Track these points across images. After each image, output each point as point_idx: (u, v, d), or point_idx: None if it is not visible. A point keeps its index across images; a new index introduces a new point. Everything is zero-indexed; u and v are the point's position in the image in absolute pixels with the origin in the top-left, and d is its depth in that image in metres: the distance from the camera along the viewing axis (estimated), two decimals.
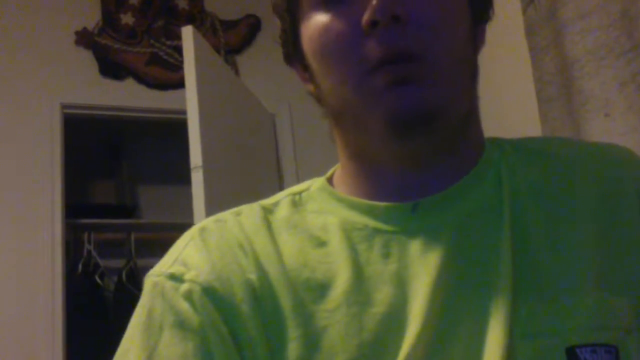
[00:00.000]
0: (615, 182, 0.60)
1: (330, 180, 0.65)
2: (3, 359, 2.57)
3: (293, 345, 0.53)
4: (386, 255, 0.56)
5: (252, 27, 3.22)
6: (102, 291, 3.40)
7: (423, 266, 0.55)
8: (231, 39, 3.19)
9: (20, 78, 2.82)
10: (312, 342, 0.53)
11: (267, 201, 0.64)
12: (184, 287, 0.55)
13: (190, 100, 2.12)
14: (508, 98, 1.83)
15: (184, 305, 0.54)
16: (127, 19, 3.07)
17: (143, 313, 0.56)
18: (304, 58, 0.62)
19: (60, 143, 2.81)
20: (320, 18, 0.57)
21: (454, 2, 0.58)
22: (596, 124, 1.36)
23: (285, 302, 0.55)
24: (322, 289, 0.55)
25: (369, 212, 0.59)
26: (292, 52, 0.64)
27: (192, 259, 0.57)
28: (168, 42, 3.09)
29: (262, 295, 0.55)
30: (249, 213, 0.62)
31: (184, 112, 2.14)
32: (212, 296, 0.54)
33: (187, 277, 0.56)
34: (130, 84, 3.00)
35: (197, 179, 2.04)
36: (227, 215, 0.63)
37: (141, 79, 3.01)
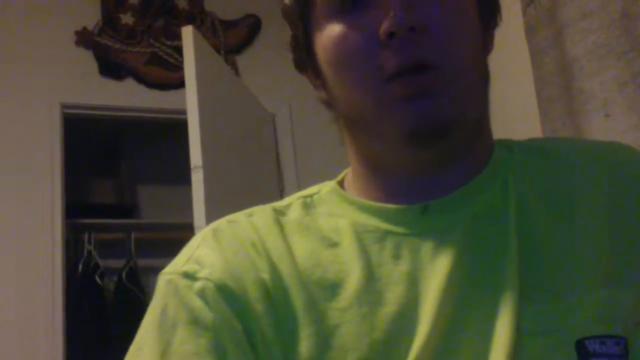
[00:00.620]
0: (619, 179, 0.61)
1: (341, 184, 0.66)
2: (3, 359, 2.57)
3: (305, 342, 0.53)
4: (397, 257, 0.57)
5: (252, 27, 3.22)
6: (102, 291, 3.40)
7: (433, 267, 0.56)
8: (231, 39, 3.19)
9: (20, 78, 2.82)
10: (324, 340, 0.53)
11: (279, 204, 0.65)
12: (198, 284, 0.56)
13: (190, 100, 2.12)
14: (508, 98, 1.83)
15: (198, 303, 0.55)
16: (127, 18, 3.06)
17: (157, 311, 0.56)
18: (316, 65, 0.62)
19: (60, 143, 2.81)
20: (335, 27, 0.58)
21: (467, 11, 0.58)
22: (596, 124, 1.36)
23: (298, 300, 0.55)
24: (334, 288, 0.56)
25: (379, 214, 0.60)
26: (305, 58, 0.64)
27: (206, 257, 0.58)
28: (168, 42, 3.09)
29: (274, 293, 0.56)
30: (261, 214, 0.63)
31: (184, 112, 2.14)
32: (226, 294, 0.55)
33: (200, 275, 0.56)
34: (130, 84, 3.00)
35: (197, 179, 2.04)
36: (239, 216, 0.63)
37: (141, 79, 3.01)
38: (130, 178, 3.93)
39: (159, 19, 3.12)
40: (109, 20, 3.03)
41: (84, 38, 2.96)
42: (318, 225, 0.61)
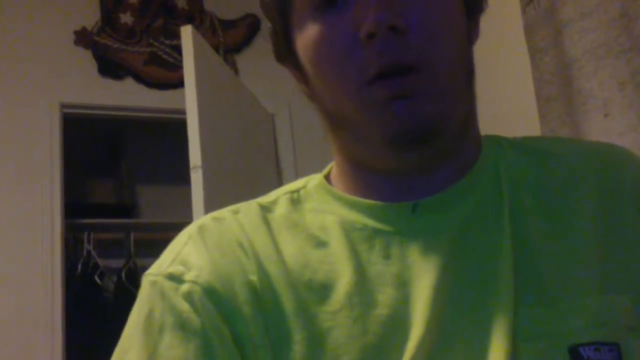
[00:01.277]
0: (614, 182, 0.60)
1: (327, 178, 0.65)
2: (2, 358, 2.57)
3: (297, 347, 0.52)
4: (387, 256, 0.56)
5: (251, 26, 3.22)
6: (102, 291, 3.40)
7: (424, 267, 0.55)
8: (230, 39, 3.19)
9: (19, 78, 2.82)
10: (316, 344, 0.52)
11: (265, 199, 0.63)
12: (184, 287, 0.54)
13: (190, 99, 2.12)
14: (507, 98, 1.83)
15: (185, 306, 0.53)
16: (126, 18, 3.06)
17: (142, 313, 0.55)
18: (297, 60, 0.61)
19: (60, 142, 2.80)
20: (315, 27, 0.56)
21: (450, 5, 0.57)
22: (595, 124, 1.36)
23: (288, 303, 0.54)
24: (324, 290, 0.55)
25: (368, 211, 0.59)
26: (285, 53, 0.62)
27: (192, 258, 0.56)
28: (167, 42, 3.09)
29: (263, 296, 0.54)
30: (247, 211, 0.61)
31: (183, 112, 2.14)
32: (214, 297, 0.54)
33: (187, 277, 0.55)
34: (129, 83, 2.99)
35: (197, 178, 2.04)
36: (224, 213, 0.61)
37: (140, 79, 3.01)
38: (129, 178, 3.92)
39: (158, 19, 3.12)
40: (108, 19, 3.03)
41: (83, 38, 2.96)
42: (306, 223, 0.60)
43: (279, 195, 0.63)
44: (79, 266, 3.35)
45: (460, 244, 0.56)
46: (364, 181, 0.60)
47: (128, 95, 2.97)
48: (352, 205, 0.60)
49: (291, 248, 0.57)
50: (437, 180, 0.58)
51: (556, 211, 0.58)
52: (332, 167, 0.66)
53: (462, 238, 0.56)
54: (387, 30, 0.52)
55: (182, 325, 0.53)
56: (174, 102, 2.84)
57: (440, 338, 0.52)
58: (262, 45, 3.19)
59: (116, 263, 3.54)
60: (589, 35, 1.38)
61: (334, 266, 0.56)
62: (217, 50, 2.98)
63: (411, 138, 0.53)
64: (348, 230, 0.58)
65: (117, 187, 3.93)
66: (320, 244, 0.58)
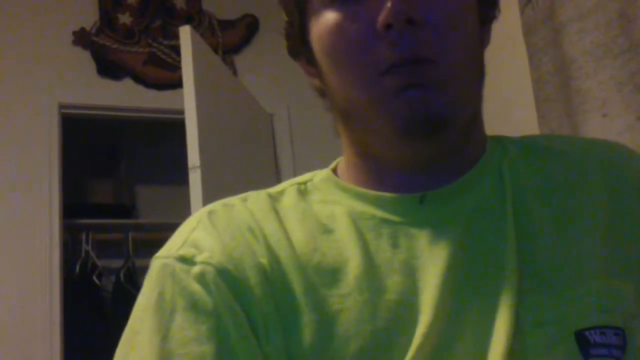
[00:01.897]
0: (617, 176, 0.61)
1: (334, 172, 0.65)
2: (1, 359, 2.57)
3: (307, 330, 0.53)
4: (395, 245, 0.57)
5: (250, 26, 3.22)
6: (100, 291, 3.40)
7: (431, 257, 0.55)
8: (229, 39, 3.19)
9: (18, 78, 2.82)
10: (326, 326, 0.53)
11: (273, 189, 0.64)
12: (196, 269, 0.54)
13: (188, 100, 2.12)
14: (506, 98, 1.83)
15: (197, 288, 0.53)
16: (125, 18, 3.06)
17: (152, 295, 0.55)
18: (311, 53, 0.61)
19: (58, 143, 2.80)
20: (331, 16, 0.56)
21: (467, 3, 0.58)
22: (594, 124, 1.36)
23: (297, 286, 0.54)
24: (333, 273, 0.55)
25: (375, 202, 0.59)
26: (299, 46, 0.63)
27: (203, 240, 0.57)
28: (166, 42, 3.09)
29: (273, 279, 0.54)
30: (256, 199, 0.62)
31: (182, 112, 2.14)
32: (226, 278, 0.54)
33: (199, 259, 0.55)
34: (128, 83, 2.99)
35: (195, 179, 2.04)
36: (234, 200, 0.62)
37: (139, 79, 3.01)
38: (128, 178, 3.92)
39: (156, 19, 3.12)
40: (107, 20, 3.03)
41: (81, 38, 2.96)
42: (313, 212, 0.60)
43: (286, 186, 0.64)
44: (78, 266, 3.35)
45: (467, 234, 0.57)
46: (373, 173, 0.61)
47: (127, 96, 2.97)
48: (360, 197, 0.60)
49: (300, 234, 0.58)
50: (444, 174, 0.59)
51: (560, 204, 0.59)
52: (340, 162, 0.66)
53: (469, 228, 0.57)
54: (404, 22, 0.53)
55: (194, 307, 0.53)
56: (172, 103, 2.84)
57: (448, 324, 0.53)
58: (261, 46, 3.19)
59: (115, 263, 3.54)
60: (587, 36, 1.38)
61: (342, 250, 0.56)
62: (215, 50, 2.98)
63: (422, 127, 0.54)
64: (356, 219, 0.59)
65: (115, 187, 3.93)
66: (329, 230, 0.58)
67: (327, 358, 0.52)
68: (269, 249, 0.56)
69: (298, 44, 0.63)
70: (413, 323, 0.53)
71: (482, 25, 0.61)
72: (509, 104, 1.85)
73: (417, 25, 0.53)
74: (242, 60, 3.19)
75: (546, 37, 1.52)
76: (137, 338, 0.53)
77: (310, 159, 2.96)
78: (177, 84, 2.59)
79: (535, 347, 0.52)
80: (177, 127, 2.41)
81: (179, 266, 0.55)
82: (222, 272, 0.54)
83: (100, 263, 3.43)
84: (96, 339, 3.08)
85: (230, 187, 2.25)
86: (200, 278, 0.54)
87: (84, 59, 2.94)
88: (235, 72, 3.11)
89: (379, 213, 0.59)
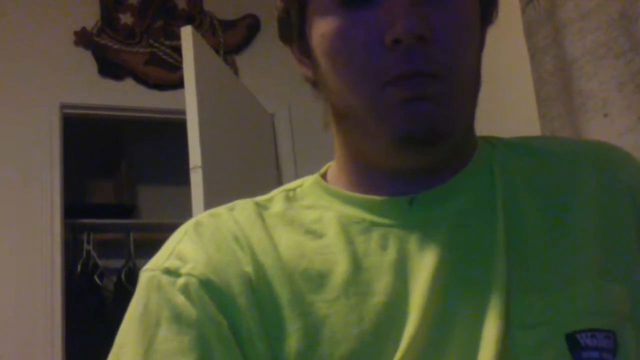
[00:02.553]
0: (610, 177, 0.61)
1: (324, 177, 0.65)
2: (2, 358, 2.57)
3: (293, 337, 0.53)
4: (384, 247, 0.56)
5: (251, 27, 3.22)
6: (101, 291, 3.40)
7: (421, 259, 0.55)
8: (230, 39, 3.19)
9: (20, 78, 2.82)
10: (312, 333, 0.53)
11: (261, 198, 0.64)
12: (181, 280, 0.55)
13: (189, 100, 2.12)
14: (507, 98, 1.83)
15: (180, 299, 0.54)
16: (126, 19, 3.06)
17: (138, 307, 0.55)
18: (306, 45, 0.60)
19: (60, 143, 2.81)
20: (338, 19, 0.56)
21: (472, 15, 0.57)
22: (595, 124, 1.36)
23: (283, 293, 0.54)
24: (320, 278, 0.55)
25: (365, 206, 0.59)
26: (294, 34, 0.62)
27: (188, 252, 0.57)
28: (167, 42, 3.09)
29: (258, 287, 0.55)
30: (242, 208, 0.62)
31: (183, 112, 2.14)
32: (209, 288, 0.54)
33: (183, 270, 0.55)
34: (129, 84, 2.99)
35: (196, 179, 2.04)
36: (221, 209, 0.62)
37: (140, 79, 3.01)
38: (129, 178, 3.92)
39: (158, 19, 3.12)
40: (108, 20, 3.03)
41: (83, 38, 2.96)
42: (301, 218, 0.60)
43: (275, 194, 0.64)
44: (79, 266, 3.35)
45: (456, 235, 0.57)
46: (364, 178, 0.61)
47: (128, 96, 2.97)
48: (349, 201, 0.60)
49: (287, 241, 0.58)
50: (434, 178, 0.59)
51: (552, 206, 0.59)
52: (329, 166, 0.66)
53: (458, 230, 0.57)
54: (414, 39, 0.52)
55: (177, 318, 0.53)
56: (174, 103, 2.84)
57: (436, 326, 0.52)
58: (262, 46, 3.19)
59: (116, 263, 3.54)
60: (588, 36, 1.38)
61: (330, 256, 0.56)
62: (216, 50, 2.98)
63: (420, 140, 0.54)
64: (345, 223, 0.58)
65: (117, 187, 3.92)
66: (317, 236, 0.58)
67: None
68: (254, 257, 0.56)
69: (294, 32, 0.62)
70: (401, 325, 0.52)
71: (481, 29, 0.61)
72: (510, 104, 1.85)
73: (426, 42, 0.53)
74: (243, 60, 3.19)
75: (547, 36, 1.52)
76: (121, 351, 0.54)
77: (311, 158, 2.96)
78: (179, 84, 2.60)
79: (525, 348, 0.51)
80: (178, 127, 2.41)
81: (164, 278, 0.55)
82: (205, 283, 0.54)
83: (101, 263, 3.43)
84: (97, 339, 3.08)
85: (231, 187, 2.26)
86: (184, 289, 0.54)
87: (85, 59, 2.95)
88: (236, 72, 3.11)
89: (368, 216, 0.58)
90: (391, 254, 0.56)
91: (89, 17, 3.00)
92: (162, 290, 0.55)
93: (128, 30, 3.05)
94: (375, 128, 0.56)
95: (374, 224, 0.58)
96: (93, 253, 3.42)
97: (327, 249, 0.57)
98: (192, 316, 0.53)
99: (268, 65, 3.09)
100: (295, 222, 0.60)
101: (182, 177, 2.49)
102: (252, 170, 2.71)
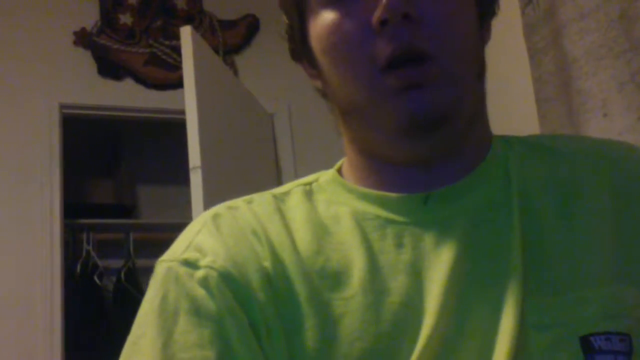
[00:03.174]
0: (625, 177, 0.60)
1: (339, 172, 0.65)
2: (2, 358, 2.57)
3: (310, 333, 0.52)
4: (399, 245, 0.56)
5: (250, 27, 3.22)
6: (101, 291, 3.40)
7: (436, 258, 0.55)
8: (230, 39, 3.19)
9: (19, 78, 2.82)
10: (329, 330, 0.53)
11: (278, 190, 0.64)
12: (200, 273, 0.54)
13: (189, 100, 2.12)
14: (507, 98, 1.83)
15: (200, 292, 0.53)
16: (126, 19, 3.06)
17: (156, 299, 0.54)
18: (311, 55, 0.61)
19: (59, 143, 2.81)
20: (329, 16, 0.57)
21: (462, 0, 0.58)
22: (595, 124, 1.36)
23: (301, 290, 0.54)
24: (337, 276, 0.55)
25: (380, 202, 0.59)
26: (300, 48, 0.63)
27: (207, 244, 0.57)
28: (166, 42, 3.09)
29: (277, 283, 0.54)
30: (260, 201, 0.62)
31: (183, 112, 2.14)
32: (230, 282, 0.54)
33: (202, 263, 0.55)
34: (128, 84, 2.99)
35: (196, 179, 2.04)
36: (239, 202, 0.62)
37: (140, 79, 3.01)
38: (128, 178, 3.92)
39: (157, 19, 3.12)
40: (108, 20, 3.03)
41: (82, 38, 2.96)
42: (318, 213, 0.60)
43: (291, 187, 0.64)
44: (79, 266, 3.35)
45: (472, 234, 0.56)
46: (376, 173, 0.61)
47: (127, 96, 2.97)
48: (364, 197, 0.60)
49: (304, 236, 0.58)
50: (448, 174, 0.59)
51: (566, 205, 0.58)
52: (344, 162, 0.66)
53: (474, 228, 0.57)
54: (400, 18, 0.53)
55: (197, 311, 0.53)
56: (173, 103, 2.84)
57: (452, 327, 0.52)
58: (262, 46, 3.19)
59: (115, 263, 3.53)
60: (588, 36, 1.38)
61: (346, 253, 0.56)
62: (216, 50, 2.98)
63: (423, 126, 0.54)
64: (360, 220, 0.58)
65: (116, 187, 3.92)
66: (333, 232, 0.58)
67: None
68: (273, 252, 0.56)
69: (299, 46, 0.63)
70: (417, 326, 0.52)
71: (481, 22, 0.61)
72: (510, 104, 1.85)
73: (413, 20, 0.53)
74: (242, 60, 3.19)
75: (547, 36, 1.52)
76: (139, 342, 0.53)
77: (311, 159, 2.96)
78: (178, 84, 2.59)
79: (539, 349, 0.51)
80: (177, 127, 2.41)
81: (182, 270, 0.55)
82: (226, 277, 0.54)
83: (101, 263, 3.43)
84: (97, 338, 3.08)
85: (231, 187, 2.26)
86: (204, 282, 0.54)
87: (85, 59, 2.95)
88: (236, 72, 3.11)
89: (384, 213, 0.58)
90: (407, 252, 0.56)
91: (89, 17, 3.00)
92: (180, 282, 0.54)
93: (127, 30, 3.05)
94: (377, 118, 0.56)
95: (389, 221, 0.58)
96: (93, 253, 3.42)
97: (344, 245, 0.57)
98: (212, 309, 0.52)
99: (268, 65, 3.09)
100: (312, 216, 0.60)
101: (182, 177, 2.49)
102: (251, 170, 2.71)
